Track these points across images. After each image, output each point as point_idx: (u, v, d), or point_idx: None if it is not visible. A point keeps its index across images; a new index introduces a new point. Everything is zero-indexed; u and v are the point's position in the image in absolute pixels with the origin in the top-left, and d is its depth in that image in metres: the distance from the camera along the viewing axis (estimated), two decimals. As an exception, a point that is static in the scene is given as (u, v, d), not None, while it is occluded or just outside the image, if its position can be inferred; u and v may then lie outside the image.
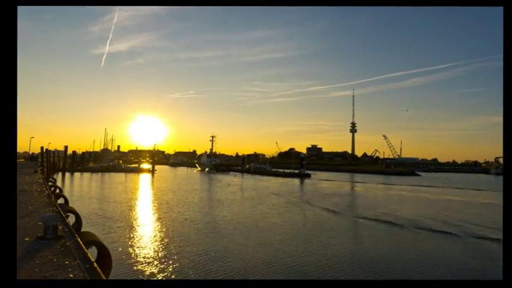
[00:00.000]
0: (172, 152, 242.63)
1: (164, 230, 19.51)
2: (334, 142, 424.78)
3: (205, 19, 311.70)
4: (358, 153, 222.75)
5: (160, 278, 11.76)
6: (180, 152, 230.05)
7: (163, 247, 15.68)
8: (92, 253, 7.93)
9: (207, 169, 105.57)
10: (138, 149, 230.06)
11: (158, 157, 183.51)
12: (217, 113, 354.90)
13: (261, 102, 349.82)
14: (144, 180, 61.90)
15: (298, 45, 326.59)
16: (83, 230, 12.32)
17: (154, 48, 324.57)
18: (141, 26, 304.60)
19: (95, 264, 6.12)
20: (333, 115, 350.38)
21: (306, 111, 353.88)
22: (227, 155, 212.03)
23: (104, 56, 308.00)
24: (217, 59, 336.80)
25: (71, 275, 5.51)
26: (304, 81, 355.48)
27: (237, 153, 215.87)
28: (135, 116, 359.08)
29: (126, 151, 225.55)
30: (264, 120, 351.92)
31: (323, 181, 70.37)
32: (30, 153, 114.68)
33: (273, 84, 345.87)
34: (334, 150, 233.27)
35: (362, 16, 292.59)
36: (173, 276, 11.95)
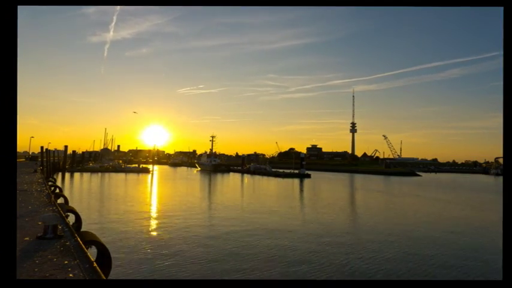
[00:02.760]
0: (172, 152, 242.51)
1: (164, 229, 19.51)
2: (334, 142, 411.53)
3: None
4: (358, 153, 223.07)
5: (160, 278, 11.76)
6: (180, 151, 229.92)
7: (163, 246, 15.68)
8: (92, 253, 7.94)
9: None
10: (138, 148, 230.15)
11: (158, 157, 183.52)
12: (224, 111, 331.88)
13: (273, 98, 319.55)
14: (143, 181, 61.88)
15: (321, 30, 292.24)
16: (82, 229, 12.32)
17: (162, 34, 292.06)
18: (146, 8, 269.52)
19: (95, 264, 6.12)
20: (351, 112, 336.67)
21: (326, 108, 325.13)
22: (227, 155, 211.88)
23: (107, 46, 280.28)
24: (231, 47, 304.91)
25: (71, 275, 5.51)
26: (326, 74, 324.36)
27: (237, 153, 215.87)
28: (139, 118, 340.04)
29: (126, 151, 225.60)
30: (274, 118, 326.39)
31: (323, 182, 70.36)
32: (30, 153, 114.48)
33: (289, 78, 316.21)
34: (334, 150, 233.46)
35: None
36: (173, 276, 11.95)
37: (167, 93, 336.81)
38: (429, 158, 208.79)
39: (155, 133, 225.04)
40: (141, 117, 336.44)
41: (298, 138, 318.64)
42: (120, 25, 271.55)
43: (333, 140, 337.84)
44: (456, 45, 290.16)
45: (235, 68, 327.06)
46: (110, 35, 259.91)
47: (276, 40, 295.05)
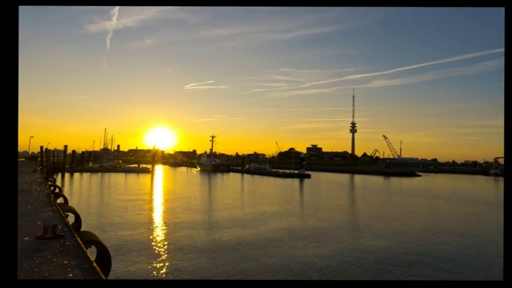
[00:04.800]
0: (172, 152, 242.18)
1: (164, 228, 19.51)
2: (334, 142, 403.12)
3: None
4: (358, 153, 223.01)
5: (160, 278, 11.76)
6: (180, 151, 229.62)
7: (163, 246, 15.68)
8: (92, 253, 7.94)
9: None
10: (138, 148, 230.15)
11: (158, 157, 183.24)
12: (232, 108, 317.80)
13: (284, 95, 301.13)
14: (143, 181, 61.86)
15: (340, 18, 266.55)
16: (82, 229, 12.32)
17: (168, 22, 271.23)
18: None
19: (95, 264, 6.13)
20: (367, 110, 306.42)
21: (336, 106, 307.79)
22: (227, 155, 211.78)
23: (109, 36, 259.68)
24: (242, 37, 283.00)
25: (70, 275, 5.51)
26: (343, 68, 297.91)
27: (237, 153, 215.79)
28: (141, 117, 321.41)
29: (126, 151, 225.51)
30: (284, 117, 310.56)
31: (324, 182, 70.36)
32: (30, 152, 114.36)
33: (303, 72, 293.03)
34: (334, 150, 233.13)
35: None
36: (173, 276, 11.95)
37: (173, 89, 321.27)
38: (429, 158, 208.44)
39: (159, 135, 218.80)
40: (143, 116, 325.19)
41: (298, 138, 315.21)
42: (123, 12, 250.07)
43: (334, 139, 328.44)
44: (457, 45, 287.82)
45: (246, 61, 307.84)
46: (113, 23, 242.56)
47: (289, 29, 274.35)
